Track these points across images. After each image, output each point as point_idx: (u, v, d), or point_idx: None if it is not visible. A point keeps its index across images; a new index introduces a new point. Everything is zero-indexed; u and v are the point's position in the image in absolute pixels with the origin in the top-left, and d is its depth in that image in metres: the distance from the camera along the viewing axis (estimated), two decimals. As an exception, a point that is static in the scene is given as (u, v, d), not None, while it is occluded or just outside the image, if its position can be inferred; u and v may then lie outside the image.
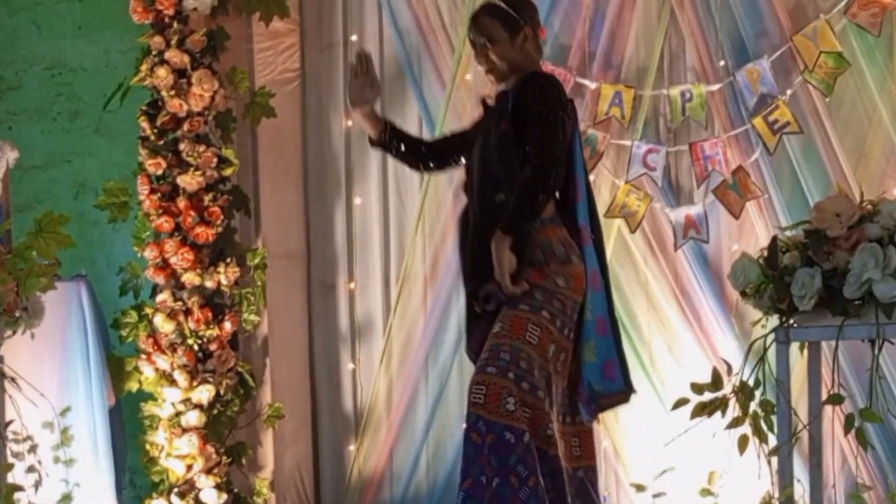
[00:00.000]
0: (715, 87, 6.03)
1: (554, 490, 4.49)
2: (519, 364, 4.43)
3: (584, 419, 4.67)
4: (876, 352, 4.39)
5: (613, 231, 6.12)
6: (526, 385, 4.43)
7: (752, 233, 6.00)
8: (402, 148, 4.96)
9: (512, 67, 4.66)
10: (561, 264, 4.55)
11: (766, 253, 4.61)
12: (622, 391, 4.68)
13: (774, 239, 4.63)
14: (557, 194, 4.64)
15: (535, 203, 4.49)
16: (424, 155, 5.01)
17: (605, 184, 6.18)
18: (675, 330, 6.14)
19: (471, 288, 4.63)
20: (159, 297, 6.36)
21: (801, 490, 4.67)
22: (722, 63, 6.04)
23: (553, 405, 4.52)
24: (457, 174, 5.66)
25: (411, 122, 6.51)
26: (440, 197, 6.46)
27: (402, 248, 6.63)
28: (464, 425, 4.49)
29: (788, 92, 5.90)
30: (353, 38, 6.70)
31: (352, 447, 6.68)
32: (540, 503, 4.37)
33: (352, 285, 6.78)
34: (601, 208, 5.94)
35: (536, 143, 4.52)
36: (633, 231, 6.11)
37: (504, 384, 4.40)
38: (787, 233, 4.75)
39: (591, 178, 6.03)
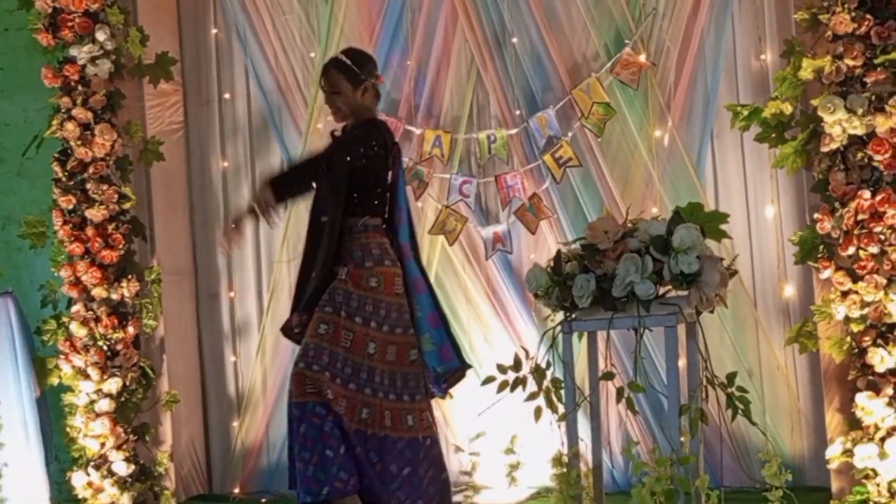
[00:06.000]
0: (513, 131, 6.11)
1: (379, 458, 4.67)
2: (336, 365, 4.57)
3: (437, 395, 4.82)
4: (638, 337, 4.49)
5: (438, 245, 6.21)
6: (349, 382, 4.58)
7: (546, 245, 6.08)
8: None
9: (352, 112, 4.79)
10: (375, 263, 4.66)
11: (552, 263, 4.70)
12: (458, 367, 4.82)
13: (559, 252, 4.71)
14: (385, 214, 4.79)
15: (303, 168, 4.58)
16: None
17: (430, 208, 6.26)
18: (489, 323, 6.22)
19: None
20: (74, 308, 6.26)
21: (585, 447, 4.75)
22: (518, 112, 6.12)
23: (380, 391, 4.64)
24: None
25: (275, 164, 6.50)
26: (300, 221, 6.34)
27: (272, 263, 6.57)
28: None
29: (570, 134, 6.00)
30: (227, 95, 6.69)
31: (235, 424, 6.63)
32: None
33: (232, 294, 6.73)
34: (427, 226, 6.08)
35: (332, 144, 4.71)
36: (451, 244, 6.20)
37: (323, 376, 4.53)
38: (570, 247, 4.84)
39: (419, 204, 6.17)
